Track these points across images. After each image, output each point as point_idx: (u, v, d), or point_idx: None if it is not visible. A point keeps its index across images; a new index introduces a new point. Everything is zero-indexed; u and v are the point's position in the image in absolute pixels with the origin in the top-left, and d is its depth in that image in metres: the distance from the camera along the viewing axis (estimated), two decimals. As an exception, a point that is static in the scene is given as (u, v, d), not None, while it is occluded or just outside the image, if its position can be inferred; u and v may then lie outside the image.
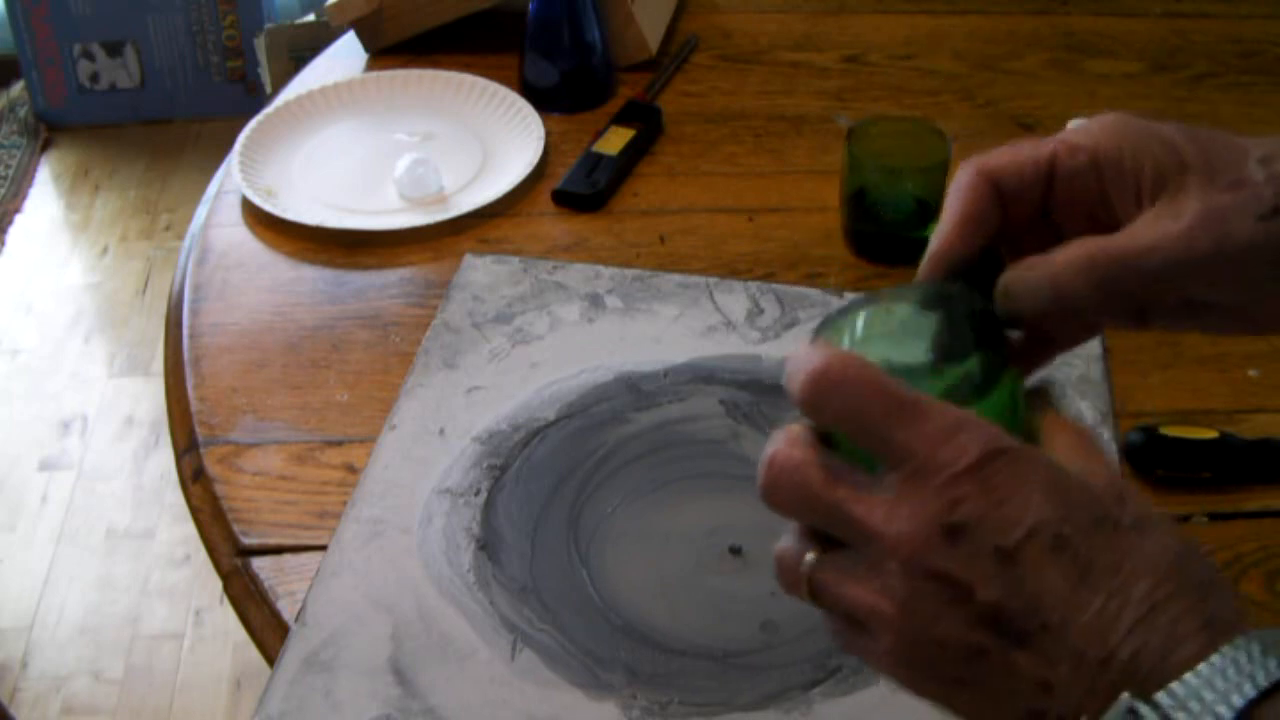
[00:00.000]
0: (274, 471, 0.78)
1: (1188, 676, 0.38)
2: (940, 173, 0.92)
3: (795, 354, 0.43)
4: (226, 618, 1.66)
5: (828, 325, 0.47)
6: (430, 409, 0.81)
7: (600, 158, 1.03)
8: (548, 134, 1.06)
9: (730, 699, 0.65)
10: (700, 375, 0.83)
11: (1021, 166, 0.49)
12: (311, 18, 2.27)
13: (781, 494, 0.43)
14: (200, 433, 0.81)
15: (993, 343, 0.47)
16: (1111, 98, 1.12)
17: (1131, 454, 0.76)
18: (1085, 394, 0.80)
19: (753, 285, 0.91)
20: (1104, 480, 0.42)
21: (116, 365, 2.18)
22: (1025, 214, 0.49)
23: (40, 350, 2.22)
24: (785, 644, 0.67)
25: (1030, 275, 0.47)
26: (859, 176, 0.93)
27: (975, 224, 0.48)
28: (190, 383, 0.85)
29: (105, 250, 2.43)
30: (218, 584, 0.75)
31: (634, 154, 1.05)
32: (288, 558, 0.73)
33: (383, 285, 0.93)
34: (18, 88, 2.77)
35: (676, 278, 0.91)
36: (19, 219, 2.51)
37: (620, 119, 1.08)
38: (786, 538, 0.45)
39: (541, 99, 1.10)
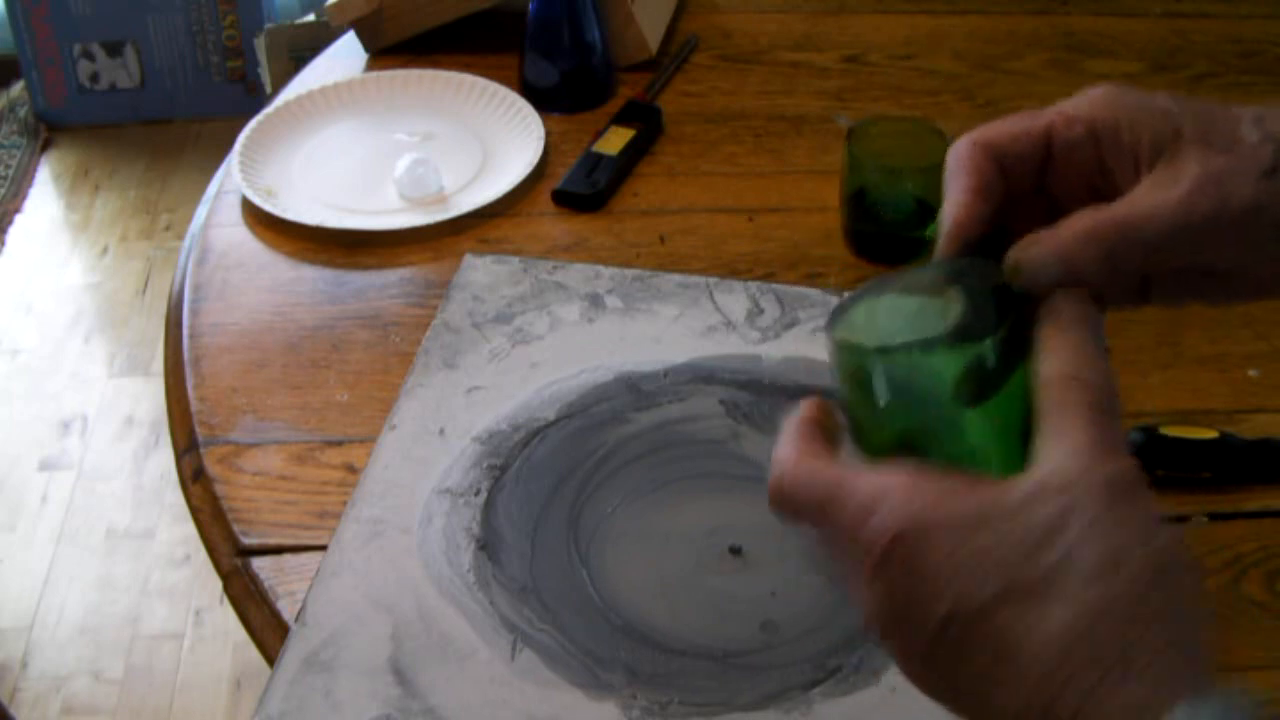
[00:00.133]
0: (274, 471, 0.78)
1: None
2: (940, 173, 0.92)
3: (774, 456, 0.45)
4: (226, 618, 1.66)
5: (843, 312, 0.46)
6: (430, 409, 0.81)
7: (600, 158, 1.03)
8: (548, 134, 1.06)
9: (730, 699, 0.65)
10: (700, 375, 0.83)
11: (1019, 139, 0.48)
12: (311, 18, 2.27)
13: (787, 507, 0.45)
14: (200, 433, 0.81)
15: (1013, 316, 0.46)
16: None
17: (1131, 454, 0.76)
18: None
19: (753, 285, 0.91)
20: (1053, 471, 0.40)
21: (116, 365, 2.18)
22: (1022, 187, 0.48)
23: (40, 350, 2.22)
24: (785, 644, 0.67)
25: (1038, 250, 0.46)
26: (859, 176, 0.93)
27: (986, 195, 0.48)
28: (190, 383, 0.85)
29: (105, 250, 2.43)
30: (218, 584, 0.75)
31: (634, 154, 1.05)
32: (288, 558, 0.73)
33: (383, 285, 0.93)
34: (18, 88, 2.77)
35: (676, 278, 0.91)
36: (19, 219, 2.51)
37: (620, 119, 1.08)
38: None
39: (541, 99, 1.10)
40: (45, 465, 2.01)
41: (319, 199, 1.01)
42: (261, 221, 0.99)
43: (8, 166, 2.61)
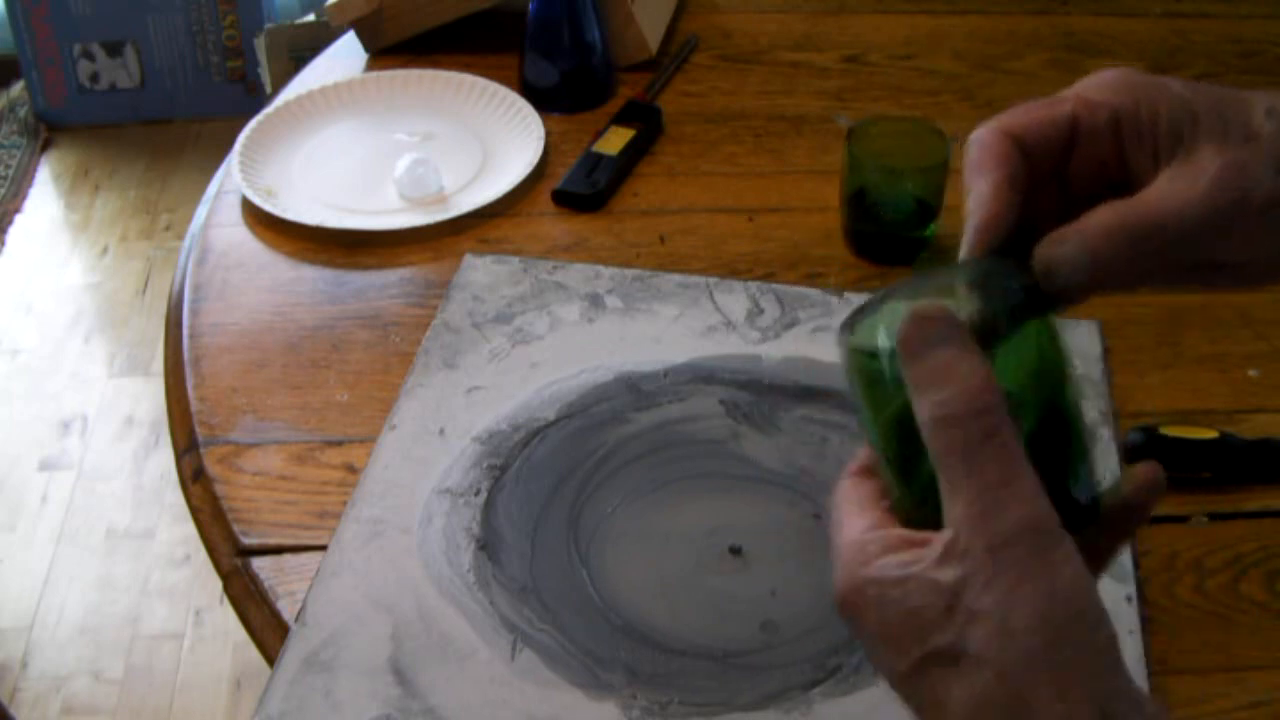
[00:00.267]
0: (274, 471, 0.78)
1: None
2: (940, 173, 0.92)
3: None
4: (226, 618, 1.66)
5: (864, 317, 0.45)
6: (430, 409, 0.81)
7: (600, 158, 1.03)
8: (548, 134, 1.06)
9: (730, 699, 0.65)
10: (700, 375, 0.83)
11: (1045, 126, 0.46)
12: (311, 18, 2.27)
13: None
14: (200, 433, 0.81)
15: (1042, 318, 0.45)
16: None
17: (1131, 454, 0.76)
18: (1085, 394, 0.80)
19: (753, 285, 0.91)
20: (952, 536, 0.40)
21: (116, 365, 2.18)
22: (1042, 176, 0.47)
23: (40, 350, 2.22)
24: (785, 644, 0.67)
25: (1066, 250, 0.44)
26: (859, 176, 0.93)
27: (1015, 188, 0.46)
28: (190, 383, 0.85)
29: (105, 250, 2.43)
30: (218, 584, 0.75)
31: (634, 154, 1.05)
32: (288, 558, 0.73)
33: (383, 285, 0.93)
34: (18, 88, 2.77)
35: (676, 278, 0.91)
36: (19, 219, 2.51)
37: (620, 119, 1.08)
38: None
39: (541, 99, 1.10)
40: (45, 465, 2.01)
41: (319, 199, 1.01)
42: (261, 221, 0.99)
43: (8, 166, 2.61)
